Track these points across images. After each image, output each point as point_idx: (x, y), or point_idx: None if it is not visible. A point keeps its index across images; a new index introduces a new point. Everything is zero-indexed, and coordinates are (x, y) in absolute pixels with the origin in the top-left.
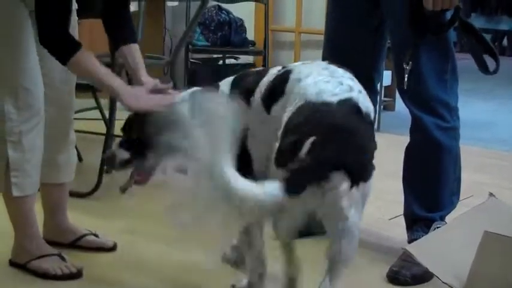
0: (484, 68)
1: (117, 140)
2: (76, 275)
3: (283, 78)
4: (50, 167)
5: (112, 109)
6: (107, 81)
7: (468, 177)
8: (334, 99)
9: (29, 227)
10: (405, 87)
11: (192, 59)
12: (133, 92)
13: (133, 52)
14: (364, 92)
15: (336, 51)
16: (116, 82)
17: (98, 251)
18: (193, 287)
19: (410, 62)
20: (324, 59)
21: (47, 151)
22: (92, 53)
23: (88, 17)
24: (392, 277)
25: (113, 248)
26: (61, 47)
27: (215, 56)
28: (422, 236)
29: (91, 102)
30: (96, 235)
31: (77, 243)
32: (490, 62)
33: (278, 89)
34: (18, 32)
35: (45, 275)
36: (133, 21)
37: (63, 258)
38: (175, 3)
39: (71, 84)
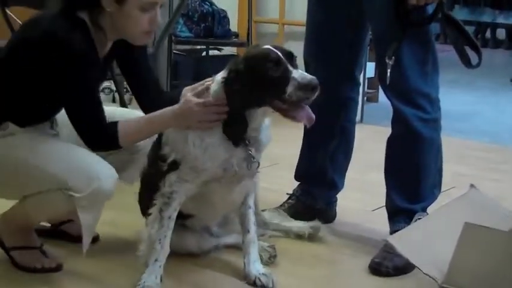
0: (466, 61)
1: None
2: (55, 270)
3: None
4: None
5: None
6: (155, 127)
7: (450, 169)
8: None
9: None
10: (387, 82)
11: (175, 50)
12: (180, 119)
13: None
14: None
15: (317, 45)
16: (161, 118)
17: (80, 241)
18: (174, 278)
19: (393, 57)
20: (304, 52)
21: None
22: (127, 120)
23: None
24: (374, 268)
25: (96, 239)
26: (105, 139)
27: (198, 47)
28: (404, 227)
29: None
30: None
31: (62, 227)
32: (473, 55)
33: None
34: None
35: (24, 268)
36: None
37: (43, 253)
38: None
39: None
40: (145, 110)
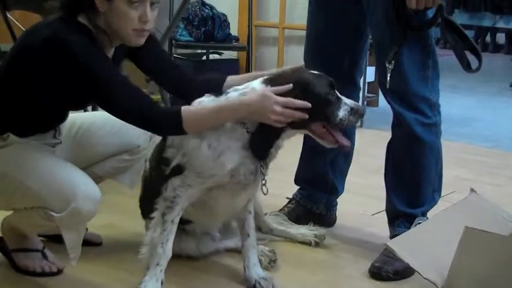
0: (466, 65)
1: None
2: (55, 274)
3: None
4: None
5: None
6: (224, 116)
7: (450, 173)
8: None
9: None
10: (387, 87)
11: (176, 54)
12: (255, 114)
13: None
14: None
15: (318, 50)
16: (232, 110)
17: (84, 244)
18: (174, 282)
19: (393, 62)
20: (305, 57)
21: None
22: (191, 107)
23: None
24: (374, 272)
25: (99, 244)
26: (168, 122)
27: (199, 51)
28: (404, 231)
29: None
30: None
31: None
32: (473, 60)
33: None
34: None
35: (24, 271)
36: None
37: (45, 256)
38: None
39: None
40: (182, 96)
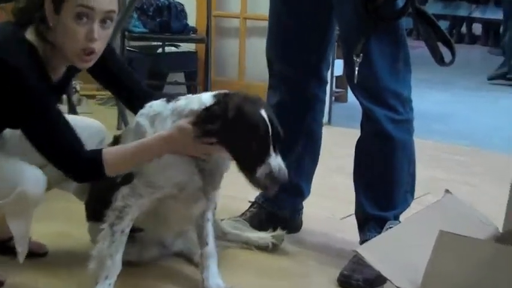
0: (439, 58)
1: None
2: None
3: None
4: None
5: None
6: (145, 155)
7: (424, 173)
8: None
9: None
10: (355, 81)
11: (129, 47)
12: (174, 148)
13: None
14: None
15: (280, 41)
16: (155, 143)
17: (30, 256)
18: None
19: (362, 54)
20: (268, 51)
21: None
22: (112, 148)
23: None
24: (343, 281)
25: (43, 254)
26: (88, 172)
27: (154, 43)
28: (375, 236)
29: None
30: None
31: (10, 244)
32: (446, 52)
33: None
34: None
35: None
36: None
37: None
38: None
39: None
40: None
